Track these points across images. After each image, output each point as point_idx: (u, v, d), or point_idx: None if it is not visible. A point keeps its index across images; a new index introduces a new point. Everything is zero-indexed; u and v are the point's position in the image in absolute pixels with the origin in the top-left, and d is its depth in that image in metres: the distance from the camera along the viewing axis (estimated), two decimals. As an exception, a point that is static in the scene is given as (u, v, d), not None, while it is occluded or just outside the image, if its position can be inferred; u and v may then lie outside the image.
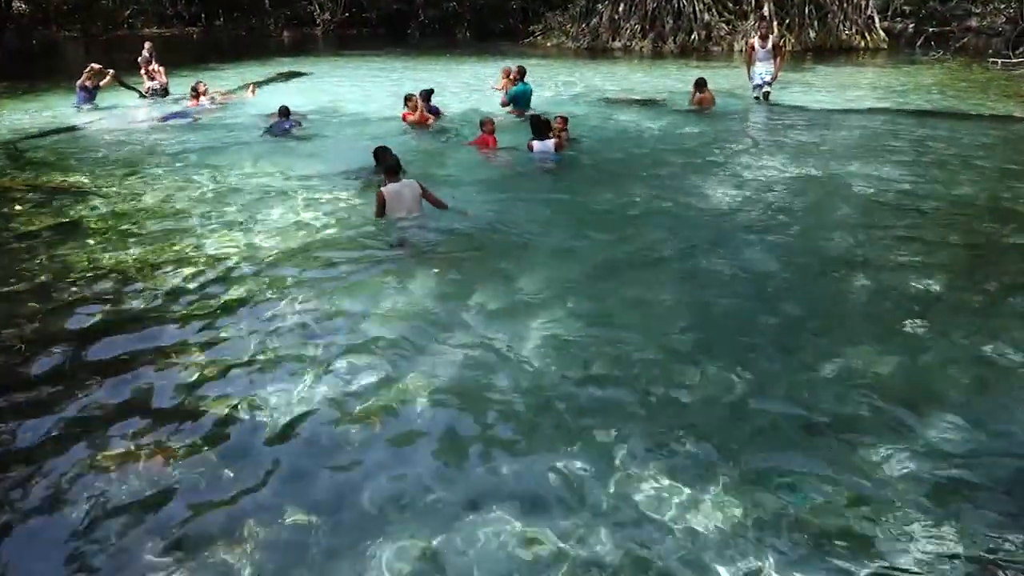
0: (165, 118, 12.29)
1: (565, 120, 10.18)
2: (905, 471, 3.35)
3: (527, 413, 3.85)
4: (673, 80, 17.04)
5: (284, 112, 11.34)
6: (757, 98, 13.37)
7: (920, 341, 4.57)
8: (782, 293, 5.37)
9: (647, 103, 13.89)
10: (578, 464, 3.43)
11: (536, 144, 9.24)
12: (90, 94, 13.56)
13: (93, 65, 13.51)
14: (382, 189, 6.72)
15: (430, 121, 11.45)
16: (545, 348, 4.49)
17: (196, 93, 13.53)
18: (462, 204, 7.27)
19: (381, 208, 6.71)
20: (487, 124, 9.78)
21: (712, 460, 3.45)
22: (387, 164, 6.93)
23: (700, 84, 13.04)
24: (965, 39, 23.54)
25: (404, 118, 11.41)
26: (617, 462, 3.44)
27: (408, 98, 11.51)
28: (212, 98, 13.78)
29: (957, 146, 9.88)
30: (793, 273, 5.74)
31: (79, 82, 13.47)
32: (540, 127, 9.34)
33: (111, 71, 13.77)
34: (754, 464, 3.42)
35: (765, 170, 8.79)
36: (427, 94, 11.94)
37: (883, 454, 3.48)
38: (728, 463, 3.42)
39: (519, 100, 12.18)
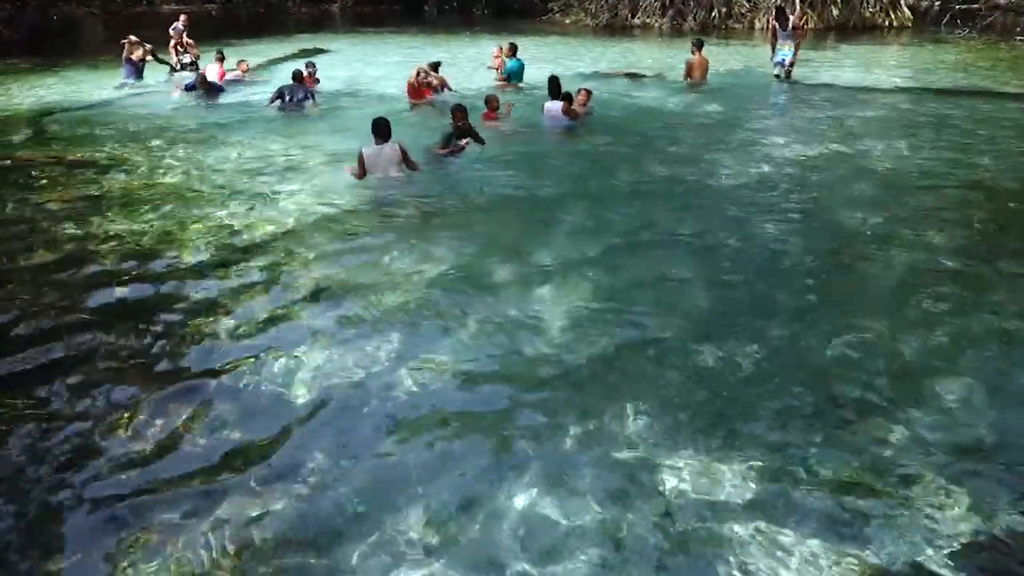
0: (188, 87, 12.24)
1: (588, 93, 10.40)
2: (924, 447, 3.38)
3: (545, 387, 3.89)
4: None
5: (298, 76, 11.40)
6: (778, 75, 13.25)
7: (940, 317, 4.56)
8: (800, 269, 5.36)
9: (637, 76, 14.12)
10: (595, 437, 3.49)
11: (547, 104, 9.87)
12: (137, 69, 13.55)
13: (131, 37, 13.51)
14: (362, 149, 7.23)
15: (429, 95, 11.40)
16: (563, 323, 4.53)
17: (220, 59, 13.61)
18: (478, 176, 7.32)
19: (361, 167, 7.17)
20: (492, 101, 9.88)
21: (730, 433, 3.48)
22: (374, 125, 7.28)
23: (696, 44, 13.18)
24: (992, 17, 23.09)
25: (409, 91, 11.38)
26: (634, 435, 3.49)
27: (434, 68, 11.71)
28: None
29: (981, 125, 9.75)
30: (812, 250, 5.72)
31: (124, 55, 13.48)
32: (553, 88, 9.89)
33: (148, 45, 13.77)
34: (772, 437, 3.45)
35: (785, 148, 8.73)
36: (434, 67, 11.97)
37: (902, 429, 3.50)
38: (746, 436, 3.46)
39: (512, 75, 12.88)
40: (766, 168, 7.88)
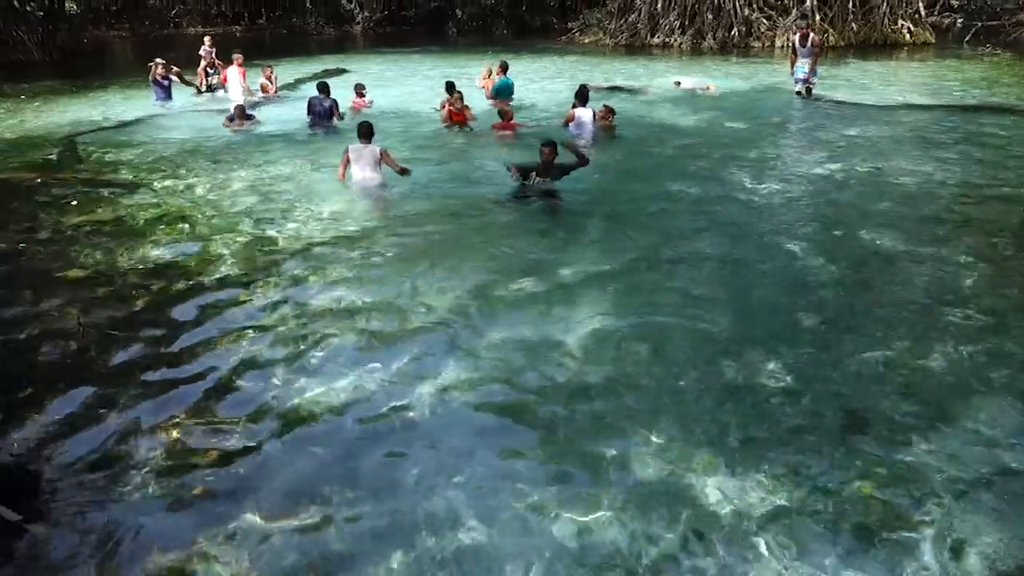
0: (230, 119, 11.60)
1: (610, 111, 10.72)
2: (953, 469, 3.34)
3: (566, 405, 3.91)
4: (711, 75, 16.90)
5: (323, 88, 11.58)
6: (799, 92, 13.24)
7: (967, 337, 4.52)
8: (824, 286, 5.34)
9: (628, 90, 14.52)
10: (618, 451, 3.49)
11: (578, 111, 10.11)
12: (166, 89, 13.78)
13: (158, 60, 13.80)
14: (349, 145, 8.08)
15: (462, 118, 10.99)
16: (586, 337, 4.56)
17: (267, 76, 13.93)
18: (499, 189, 7.41)
19: (345, 161, 8.00)
20: (507, 113, 10.67)
21: (755, 452, 3.47)
22: (359, 128, 8.07)
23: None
24: (1017, 33, 22.91)
25: (450, 115, 10.94)
26: (657, 450, 3.50)
27: (450, 88, 11.60)
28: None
29: (1007, 142, 9.66)
30: (835, 268, 5.70)
31: (151, 77, 13.76)
32: (583, 95, 10.22)
33: (174, 67, 14.03)
34: (798, 457, 3.44)
35: (807, 165, 8.71)
36: (450, 88, 11.80)
37: (926, 448, 3.47)
38: (772, 455, 3.45)
39: (502, 92, 13.23)
40: (789, 185, 7.87)
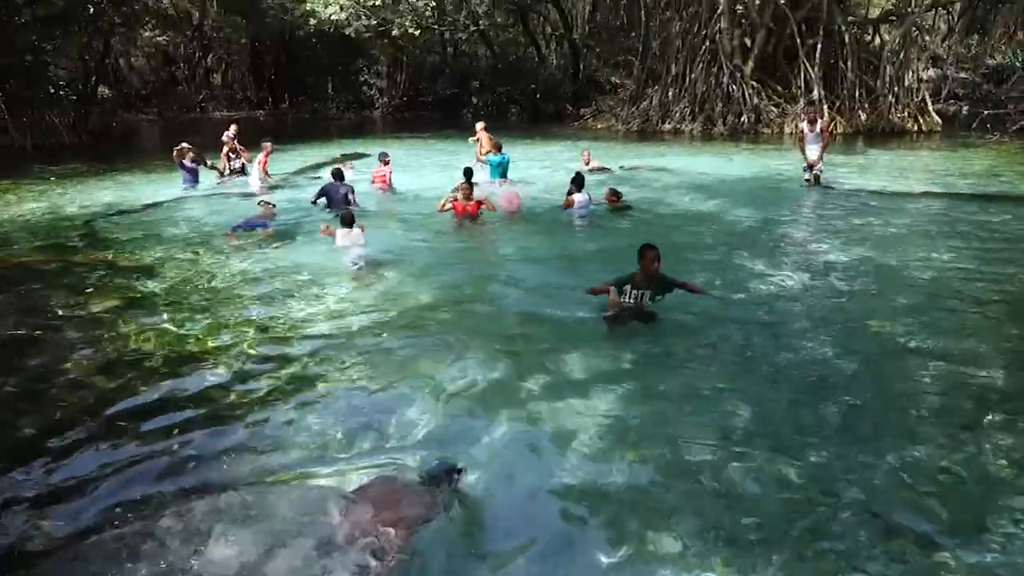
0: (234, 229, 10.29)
1: (615, 192, 11.35)
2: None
3: (578, 502, 3.80)
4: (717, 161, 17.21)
5: (338, 175, 11.85)
6: (808, 180, 13.40)
7: (991, 436, 4.39)
8: (840, 382, 5.24)
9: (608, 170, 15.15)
10: (628, 558, 3.37)
11: (577, 197, 10.79)
12: (193, 173, 14.16)
13: (183, 144, 14.27)
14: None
15: (475, 209, 10.65)
16: (593, 436, 4.46)
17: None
18: (507, 277, 7.44)
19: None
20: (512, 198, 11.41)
21: (771, 557, 3.33)
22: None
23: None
24: (1022, 121, 23.28)
25: (456, 209, 10.62)
26: (669, 558, 3.36)
27: (468, 175, 11.61)
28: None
29: (1015, 231, 9.67)
30: (851, 361, 5.61)
31: (177, 160, 14.18)
32: (579, 182, 10.97)
33: (195, 151, 14.46)
34: (815, 564, 3.30)
35: (819, 254, 8.72)
36: (467, 175, 11.70)
37: (951, 556, 3.32)
38: (787, 559, 3.31)
39: (494, 169, 13.77)
40: (802, 274, 7.86)
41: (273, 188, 14.02)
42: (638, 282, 6.17)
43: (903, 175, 14.82)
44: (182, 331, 6.41)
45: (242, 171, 15.18)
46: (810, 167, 13.35)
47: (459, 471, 3.88)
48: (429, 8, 29.48)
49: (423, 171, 16.08)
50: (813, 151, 13.33)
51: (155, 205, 12.56)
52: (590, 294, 6.48)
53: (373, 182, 13.55)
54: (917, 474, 4.01)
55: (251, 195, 13.16)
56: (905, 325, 6.29)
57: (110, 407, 5.01)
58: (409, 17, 27.94)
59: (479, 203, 10.65)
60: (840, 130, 22.51)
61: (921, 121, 23.75)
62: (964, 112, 27.27)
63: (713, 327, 6.33)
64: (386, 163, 13.66)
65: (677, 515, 3.69)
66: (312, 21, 27.87)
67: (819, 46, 23.41)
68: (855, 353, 5.77)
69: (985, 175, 14.62)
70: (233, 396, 5.15)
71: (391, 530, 3.39)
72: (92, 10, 27.40)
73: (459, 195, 10.60)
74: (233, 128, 15.68)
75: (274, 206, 10.68)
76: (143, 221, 11.36)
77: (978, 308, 6.78)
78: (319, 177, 14.59)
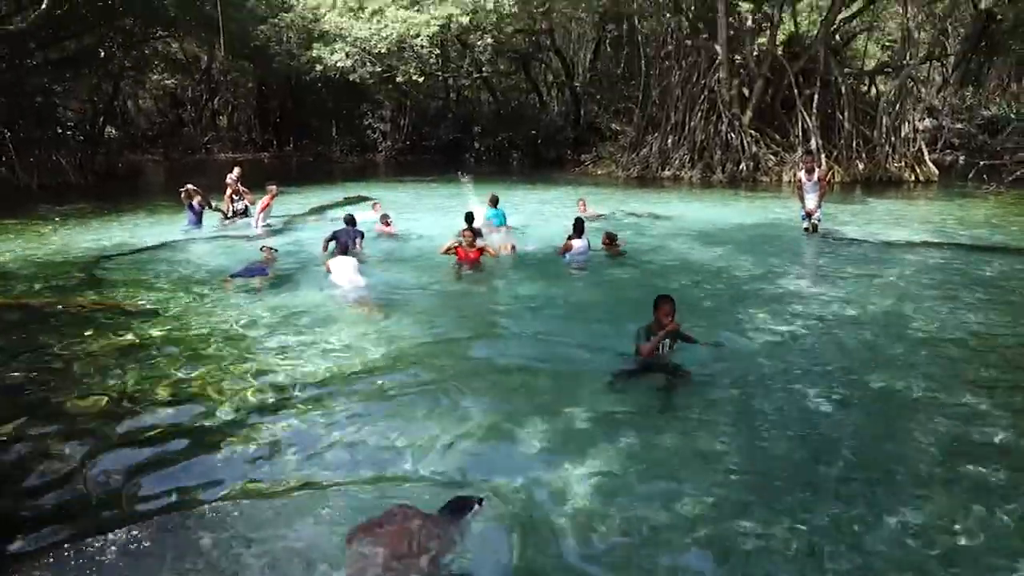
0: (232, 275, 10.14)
1: (611, 237, 11.54)
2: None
3: (578, 564, 3.75)
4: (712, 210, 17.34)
5: (350, 220, 11.97)
6: (807, 228, 13.50)
7: (994, 497, 4.34)
8: (843, 439, 5.20)
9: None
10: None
11: (575, 242, 10.97)
12: (198, 215, 14.32)
13: (188, 186, 14.41)
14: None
15: (476, 256, 10.69)
16: (591, 493, 4.40)
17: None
18: (508, 323, 7.43)
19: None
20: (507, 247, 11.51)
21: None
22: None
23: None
24: (1020, 172, 23.52)
25: (459, 255, 10.65)
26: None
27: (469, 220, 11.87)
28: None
29: (1014, 283, 9.70)
30: (851, 416, 5.58)
31: (185, 201, 14.31)
32: (578, 227, 11.09)
33: (200, 193, 14.60)
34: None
35: (819, 303, 8.74)
36: (468, 220, 12.06)
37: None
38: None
39: (491, 222, 13.74)
40: (802, 325, 7.86)
41: (275, 231, 14.11)
42: (654, 332, 6.20)
43: (901, 224, 14.93)
44: (181, 375, 6.39)
45: (245, 213, 15.31)
46: (808, 215, 13.47)
47: (479, 501, 3.89)
48: (433, 56, 30.06)
49: (424, 215, 16.20)
50: (811, 200, 13.46)
51: (158, 246, 12.63)
52: (640, 355, 6.22)
53: (376, 228, 13.64)
54: (920, 538, 3.95)
55: (253, 238, 13.25)
56: (905, 379, 6.27)
57: (106, 452, 4.97)
58: (414, 64, 28.43)
59: (481, 251, 10.72)
60: (838, 179, 22.74)
61: (918, 171, 24.01)
62: (960, 162, 27.57)
63: (713, 379, 6.32)
64: (387, 223, 13.71)
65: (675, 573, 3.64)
66: (318, 67, 28.32)
67: (816, 97, 23.81)
68: (855, 407, 5.75)
69: (983, 225, 14.73)
70: (233, 442, 5.11)
71: (419, 560, 3.36)
72: (103, 54, 28.01)
73: (463, 241, 10.65)
74: (237, 171, 15.86)
75: (276, 251, 10.73)
76: (146, 262, 11.41)
77: (979, 363, 6.76)
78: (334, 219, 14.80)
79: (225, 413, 5.62)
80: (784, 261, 11.52)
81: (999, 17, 29.79)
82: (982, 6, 29.97)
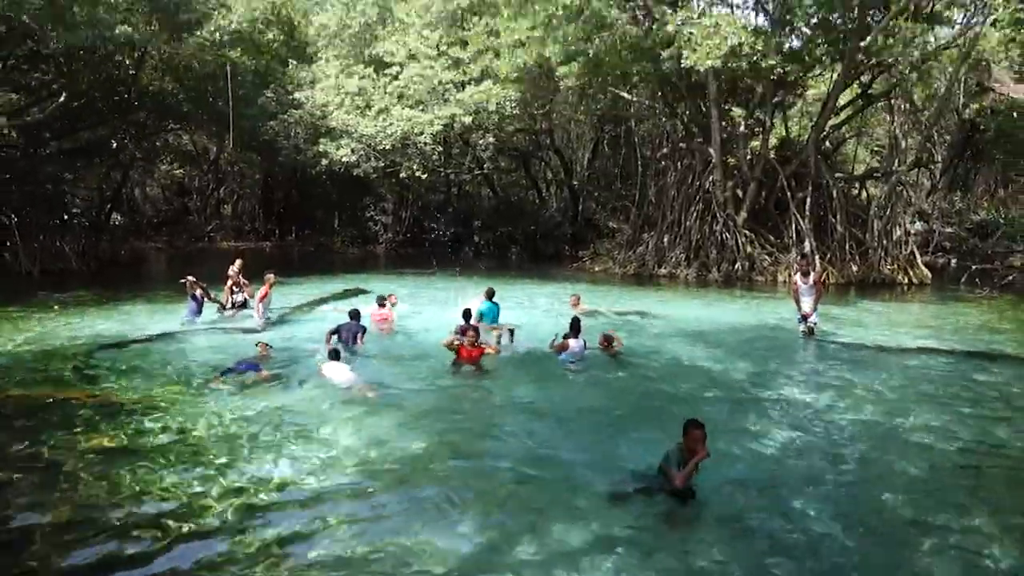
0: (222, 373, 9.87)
1: (607, 339, 11.43)
2: None
3: None
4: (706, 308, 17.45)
5: (355, 315, 12.04)
6: (803, 332, 13.54)
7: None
8: (844, 556, 5.09)
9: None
10: None
11: (572, 343, 10.85)
12: (199, 304, 14.35)
13: (190, 277, 14.52)
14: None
15: (476, 355, 10.60)
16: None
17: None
18: (506, 432, 7.35)
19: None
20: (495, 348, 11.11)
21: None
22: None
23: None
24: (1011, 277, 23.86)
25: (459, 352, 10.55)
26: None
27: (467, 317, 11.83)
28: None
29: (1013, 393, 9.67)
30: (849, 534, 5.46)
31: (189, 291, 14.34)
32: (574, 327, 11.07)
33: (202, 284, 14.69)
34: None
35: (815, 412, 8.68)
36: (466, 316, 12.07)
37: None
38: None
39: (484, 317, 13.64)
40: (798, 436, 7.78)
41: (273, 324, 14.14)
42: (685, 458, 5.92)
43: (898, 329, 14.99)
44: (167, 478, 6.26)
45: (244, 305, 15.36)
46: (805, 318, 13.54)
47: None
48: (436, 152, 30.95)
49: (422, 309, 16.26)
50: (807, 303, 13.56)
51: (154, 338, 12.59)
52: (679, 484, 5.88)
53: (372, 320, 13.68)
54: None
55: (251, 330, 13.26)
56: (904, 495, 6.17)
57: (91, 558, 4.82)
58: (417, 160, 29.25)
59: (482, 350, 10.71)
60: (832, 280, 23.00)
61: (911, 273, 24.32)
62: (953, 265, 27.99)
63: (710, 493, 6.18)
64: (383, 305, 13.87)
65: None
66: (324, 161, 29.14)
67: (808, 199, 24.39)
68: (853, 525, 5.63)
69: (979, 331, 14.80)
70: (221, 552, 4.96)
71: None
72: (115, 144, 28.85)
73: (466, 340, 10.62)
74: (238, 263, 16.03)
75: (271, 347, 10.71)
76: (140, 355, 11.35)
77: (979, 478, 6.68)
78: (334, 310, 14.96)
79: (213, 519, 5.48)
80: (781, 365, 11.51)
81: (982, 127, 30.92)
82: (965, 115, 31.13)
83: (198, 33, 24.81)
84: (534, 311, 16.16)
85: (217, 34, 25.17)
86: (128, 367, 10.43)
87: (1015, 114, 28.55)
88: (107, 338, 12.57)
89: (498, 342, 11.67)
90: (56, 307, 15.90)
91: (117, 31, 21.02)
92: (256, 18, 27.74)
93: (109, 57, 24.25)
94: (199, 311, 14.41)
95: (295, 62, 30.76)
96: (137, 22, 22.53)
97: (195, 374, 9.98)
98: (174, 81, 27.98)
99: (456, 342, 10.71)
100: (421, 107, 27.75)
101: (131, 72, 26.05)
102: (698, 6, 23.09)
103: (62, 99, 24.00)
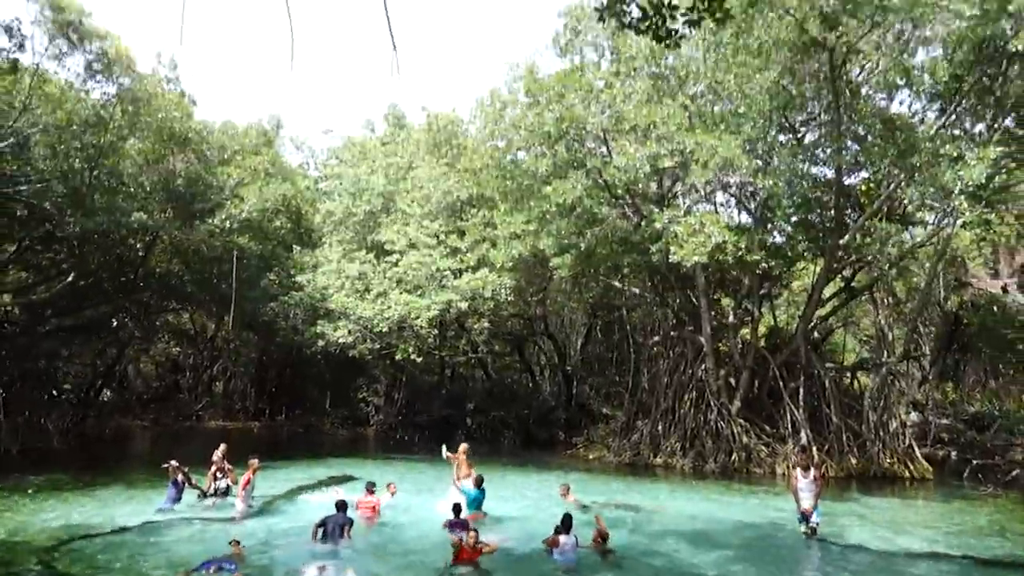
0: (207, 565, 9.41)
1: (603, 536, 11.11)
2: None
3: None
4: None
5: (341, 506, 11.66)
6: (806, 532, 13.00)
7: None
8: None
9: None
10: None
11: (563, 539, 10.50)
12: (179, 490, 13.91)
13: (172, 463, 14.14)
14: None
15: (475, 557, 10.19)
16: None
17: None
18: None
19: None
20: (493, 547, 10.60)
21: None
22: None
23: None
24: (1015, 472, 23.34)
25: (462, 553, 10.11)
26: None
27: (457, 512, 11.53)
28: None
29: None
30: None
31: (171, 476, 13.96)
32: (566, 523, 10.71)
33: (184, 469, 14.27)
34: None
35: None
36: (456, 511, 11.94)
37: None
38: None
39: (471, 505, 13.48)
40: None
41: (254, 514, 13.59)
42: None
43: (904, 529, 14.38)
44: None
45: (226, 492, 14.84)
46: (806, 517, 13.05)
47: None
48: (432, 335, 31.38)
49: (410, 498, 15.67)
50: (807, 499, 13.13)
51: (127, 529, 12.02)
52: None
53: (357, 508, 13.16)
54: None
55: (230, 519, 12.71)
56: None
57: None
58: (413, 343, 29.54)
59: (481, 551, 10.27)
60: (832, 473, 22.44)
61: (911, 467, 23.76)
62: (953, 457, 27.44)
63: None
64: (371, 492, 13.54)
65: None
66: (321, 342, 29.44)
67: (801, 390, 24.40)
68: None
69: (989, 533, 14.22)
70: None
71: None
72: (116, 323, 29.29)
73: (466, 540, 10.19)
74: (223, 448, 15.69)
75: (243, 547, 10.22)
76: (113, 548, 10.77)
77: None
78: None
79: None
80: (783, 572, 10.93)
81: (965, 321, 31.71)
82: (948, 308, 32.02)
83: (209, 220, 26.04)
84: (525, 504, 15.59)
85: (228, 222, 26.40)
86: (98, 564, 9.85)
87: (995, 308, 29.41)
88: (78, 527, 12.00)
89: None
90: (30, 491, 15.32)
91: (132, 217, 22.11)
92: (267, 208, 29.21)
93: (122, 240, 25.27)
94: (178, 497, 13.93)
95: (299, 248, 32.03)
96: (153, 209, 23.75)
97: (168, 569, 9.40)
98: (181, 264, 28.95)
99: (456, 541, 10.32)
100: (419, 292, 28.53)
101: (140, 254, 27.02)
102: (684, 204, 24.51)
103: (70, 279, 24.64)
